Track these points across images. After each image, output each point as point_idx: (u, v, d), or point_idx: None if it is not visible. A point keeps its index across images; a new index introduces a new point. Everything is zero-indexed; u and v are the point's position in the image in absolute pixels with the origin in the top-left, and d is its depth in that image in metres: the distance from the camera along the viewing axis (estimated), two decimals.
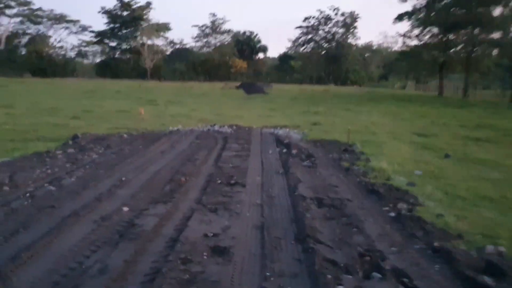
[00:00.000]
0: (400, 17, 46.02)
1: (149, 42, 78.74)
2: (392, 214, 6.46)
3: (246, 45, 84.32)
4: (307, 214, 6.07)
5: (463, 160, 11.22)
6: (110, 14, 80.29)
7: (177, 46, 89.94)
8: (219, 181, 7.88)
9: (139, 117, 18.21)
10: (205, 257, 4.62)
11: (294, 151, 11.32)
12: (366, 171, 9.33)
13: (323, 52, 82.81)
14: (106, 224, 5.57)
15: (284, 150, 11.55)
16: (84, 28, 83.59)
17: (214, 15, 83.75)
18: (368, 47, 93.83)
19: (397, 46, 79.33)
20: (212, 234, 5.27)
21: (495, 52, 39.98)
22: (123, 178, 7.76)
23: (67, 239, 4.99)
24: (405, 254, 4.97)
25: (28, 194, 6.74)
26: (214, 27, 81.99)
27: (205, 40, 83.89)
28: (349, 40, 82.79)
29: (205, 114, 21.11)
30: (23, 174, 7.87)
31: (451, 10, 41.37)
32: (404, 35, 47.17)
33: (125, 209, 6.16)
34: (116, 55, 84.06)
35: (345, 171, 9.34)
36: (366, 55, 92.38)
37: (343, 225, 5.80)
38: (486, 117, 23.15)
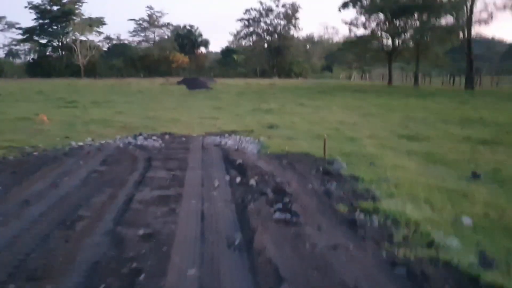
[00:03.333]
0: (345, 5, 42.57)
1: (83, 38, 71.43)
2: None
3: (187, 39, 78.89)
4: None
5: (504, 182, 7.26)
6: (39, 9, 72.19)
7: (114, 42, 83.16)
8: None
9: (39, 127, 13.19)
10: None
11: (253, 180, 6.95)
12: (385, 226, 5.12)
13: (266, 45, 78.84)
14: None
15: (238, 179, 7.13)
16: (10, 25, 75.11)
17: (151, 8, 77.87)
18: (309, 39, 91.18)
19: (338, 37, 77.20)
20: None
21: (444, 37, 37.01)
22: None
23: None
24: None
25: None
26: (152, 21, 75.99)
27: (143, 34, 77.65)
28: (291, 32, 79.32)
29: (133, 117, 16.29)
30: None
31: None
32: (350, 23, 43.77)
33: None
34: (48, 53, 75.99)
35: (349, 227, 5.06)
36: (307, 47, 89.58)
37: None
38: (460, 108, 19.84)
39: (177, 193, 6.32)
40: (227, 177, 7.30)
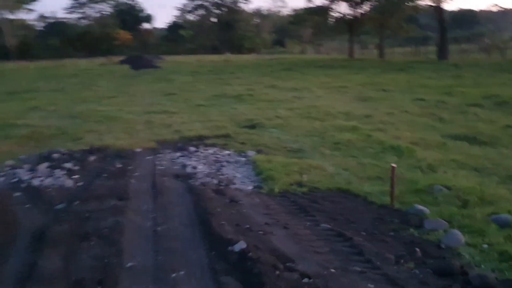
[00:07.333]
0: None
1: (11, 16, 62.26)
2: None
3: (129, 15, 71.31)
4: None
5: None
6: None
7: (50, 20, 74.10)
8: None
9: None
10: None
11: None
12: None
13: (214, 19, 72.76)
14: None
15: None
16: None
17: None
18: (258, 12, 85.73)
19: (286, 10, 72.41)
20: None
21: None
22: None
23: None
24: None
25: None
26: None
27: (81, 11, 69.22)
28: (240, 5, 73.52)
29: (51, 116, 11.10)
30: None
31: None
32: None
33: None
34: None
35: None
36: (257, 21, 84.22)
37: None
38: (463, 84, 15.78)
39: None
40: None
